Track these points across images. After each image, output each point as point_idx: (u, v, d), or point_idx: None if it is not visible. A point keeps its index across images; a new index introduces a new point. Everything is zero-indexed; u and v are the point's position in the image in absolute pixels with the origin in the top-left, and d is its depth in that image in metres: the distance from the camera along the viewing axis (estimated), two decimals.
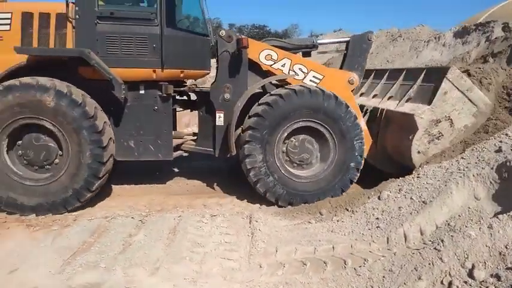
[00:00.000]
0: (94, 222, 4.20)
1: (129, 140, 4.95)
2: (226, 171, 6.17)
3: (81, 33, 4.57)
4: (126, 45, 4.64)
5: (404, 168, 4.85)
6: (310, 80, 5.13)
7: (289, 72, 5.10)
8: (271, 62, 5.08)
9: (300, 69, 5.14)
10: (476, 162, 3.87)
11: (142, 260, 3.42)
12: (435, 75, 4.88)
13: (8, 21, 4.59)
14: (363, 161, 4.87)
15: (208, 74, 5.28)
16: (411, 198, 3.81)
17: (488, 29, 9.54)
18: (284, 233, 3.86)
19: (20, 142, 4.43)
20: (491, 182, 3.56)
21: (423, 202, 3.67)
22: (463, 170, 3.84)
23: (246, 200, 5.00)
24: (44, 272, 3.22)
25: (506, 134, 4.11)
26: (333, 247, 3.47)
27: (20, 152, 4.44)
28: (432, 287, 2.80)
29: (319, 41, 5.78)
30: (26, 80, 4.22)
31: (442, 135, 4.74)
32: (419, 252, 3.07)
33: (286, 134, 4.73)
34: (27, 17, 4.60)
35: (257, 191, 4.76)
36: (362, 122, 5.15)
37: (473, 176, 3.65)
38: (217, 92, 5.02)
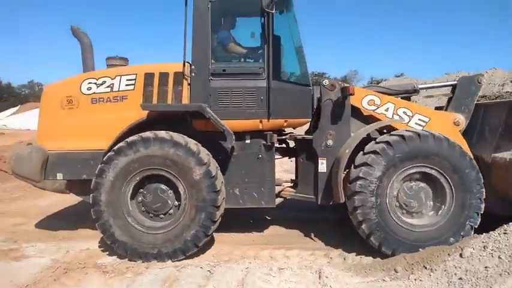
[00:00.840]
0: (165, 271, 4.27)
1: (234, 188, 5.17)
2: (293, 221, 6.12)
3: (196, 89, 5.00)
4: (236, 98, 4.98)
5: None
6: (416, 123, 5.10)
7: (393, 116, 5.11)
8: (374, 107, 5.15)
9: (404, 112, 5.13)
10: None
11: None
12: None
13: (133, 82, 5.16)
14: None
15: (309, 122, 5.42)
16: (499, 257, 3.53)
17: None
18: None
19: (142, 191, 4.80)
20: None
21: None
22: None
23: (312, 253, 4.94)
24: None
25: None
26: None
27: (140, 199, 4.80)
28: None
29: (420, 86, 5.76)
30: (162, 134, 4.66)
31: None
32: None
33: (398, 181, 4.66)
34: (149, 77, 5.14)
35: (370, 243, 4.68)
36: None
37: None
38: (320, 139, 5.13)
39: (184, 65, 5.07)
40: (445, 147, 4.59)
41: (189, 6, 5.12)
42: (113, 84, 5.16)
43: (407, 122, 5.11)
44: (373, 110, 5.16)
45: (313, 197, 5.26)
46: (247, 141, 5.18)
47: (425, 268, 3.89)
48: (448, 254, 3.94)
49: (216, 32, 5.27)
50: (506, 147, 4.68)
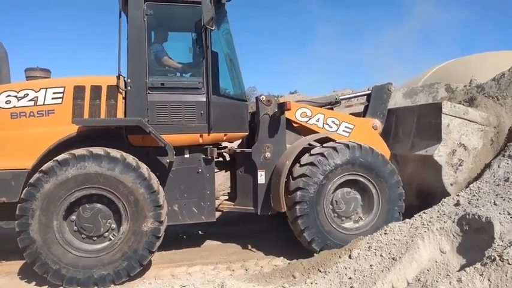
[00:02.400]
0: None
1: (173, 204, 5.05)
2: (193, 238, 6.09)
3: (132, 103, 4.82)
4: (175, 112, 4.91)
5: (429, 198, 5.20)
6: (344, 130, 5.60)
7: (323, 126, 5.53)
8: (306, 119, 5.52)
9: (332, 121, 5.59)
10: (438, 217, 4.12)
11: None
12: (430, 111, 5.32)
13: (61, 95, 4.80)
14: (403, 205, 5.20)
15: (246, 135, 5.56)
16: (381, 255, 3.91)
17: (433, 89, 10.38)
18: None
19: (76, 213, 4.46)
20: (454, 235, 3.82)
21: (393, 259, 3.78)
22: (427, 224, 4.07)
23: (215, 267, 4.99)
24: None
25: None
26: None
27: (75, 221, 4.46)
28: None
29: (341, 97, 6.29)
30: (97, 150, 4.40)
31: (463, 160, 5.13)
32: None
33: (332, 190, 5.01)
34: (79, 91, 4.82)
35: (310, 249, 4.91)
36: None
37: (437, 229, 3.90)
38: (258, 151, 5.31)
39: (118, 78, 4.88)
40: (370, 156, 5.10)
41: (123, 18, 5.01)
42: (37, 97, 4.74)
43: (336, 130, 5.57)
44: (306, 122, 5.53)
45: (252, 208, 5.38)
46: (186, 155, 5.13)
47: (320, 271, 4.18)
48: (339, 257, 4.26)
49: (150, 46, 5.17)
50: (419, 146, 5.38)
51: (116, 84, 4.87)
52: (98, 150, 4.44)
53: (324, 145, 5.13)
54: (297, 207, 4.83)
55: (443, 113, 5.04)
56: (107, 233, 4.51)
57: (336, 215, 5.06)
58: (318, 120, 5.55)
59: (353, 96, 6.68)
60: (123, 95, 4.88)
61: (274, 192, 5.10)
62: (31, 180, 4.28)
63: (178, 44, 5.77)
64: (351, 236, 4.90)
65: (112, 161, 4.41)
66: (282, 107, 5.19)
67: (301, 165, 4.98)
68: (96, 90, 4.86)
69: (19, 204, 4.24)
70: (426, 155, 5.17)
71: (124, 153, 4.54)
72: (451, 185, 5.11)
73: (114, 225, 4.53)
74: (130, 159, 4.52)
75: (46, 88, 4.78)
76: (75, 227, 4.43)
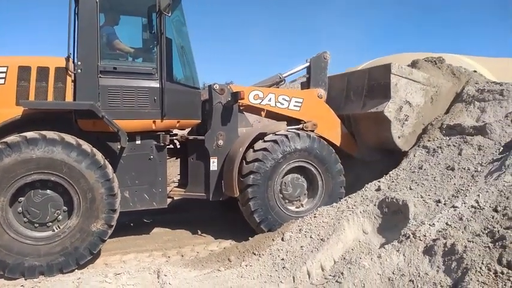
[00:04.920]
0: None
1: (124, 191, 4.95)
2: (127, 227, 5.94)
3: (82, 86, 4.66)
4: (128, 98, 4.82)
5: (385, 153, 5.90)
6: (294, 105, 5.91)
7: (276, 104, 5.80)
8: (259, 101, 5.75)
9: (283, 98, 5.88)
10: (361, 201, 4.55)
11: None
12: (380, 73, 5.81)
13: (3, 75, 4.51)
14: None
15: (199, 123, 5.60)
16: (311, 237, 4.16)
17: None
18: (195, 284, 3.81)
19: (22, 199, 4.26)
20: (375, 217, 4.26)
21: (321, 240, 4.04)
22: (352, 207, 4.42)
23: (150, 254, 5.00)
24: None
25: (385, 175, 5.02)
26: None
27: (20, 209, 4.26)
28: None
29: (284, 75, 6.54)
30: (50, 135, 4.22)
31: (408, 115, 5.67)
32: (324, 286, 3.40)
33: (282, 175, 5.26)
34: (24, 71, 4.56)
35: (258, 230, 5.13)
36: (342, 128, 6.11)
37: (360, 212, 4.27)
38: (211, 139, 5.39)
39: (68, 60, 4.70)
40: (326, 151, 5.47)
41: None
42: None
43: (288, 106, 5.87)
44: (259, 103, 5.76)
45: (203, 194, 5.46)
46: (138, 141, 5.06)
47: (254, 254, 4.34)
48: (273, 239, 4.48)
49: (101, 28, 5.02)
50: (370, 105, 5.85)
51: (65, 66, 4.68)
52: (69, 138, 4.30)
53: (276, 133, 5.37)
54: (249, 189, 5.03)
55: (392, 73, 5.54)
56: (50, 223, 4.34)
57: (282, 196, 5.32)
58: (270, 100, 5.80)
59: (295, 71, 6.78)
60: (73, 78, 4.70)
61: (227, 177, 5.23)
62: None
63: (130, 28, 5.63)
64: (292, 217, 5.15)
65: (81, 153, 4.28)
66: (236, 96, 5.31)
67: (254, 151, 5.16)
68: (43, 71, 4.63)
69: None
70: (377, 111, 5.61)
71: (94, 149, 4.42)
72: (399, 137, 5.64)
73: (60, 217, 4.37)
74: (99, 156, 4.42)
75: None
76: (20, 209, 4.23)
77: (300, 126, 5.85)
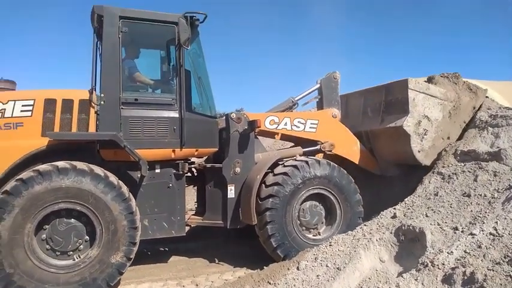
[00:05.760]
0: None
1: (143, 219, 5.04)
2: (142, 256, 5.77)
3: (105, 117, 4.85)
4: (148, 127, 4.99)
5: (404, 168, 5.99)
6: (310, 127, 6.04)
7: (292, 127, 5.94)
8: (275, 125, 5.90)
9: (298, 121, 6.04)
10: (377, 228, 4.49)
11: None
12: (397, 89, 5.92)
13: (30, 108, 4.71)
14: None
15: (216, 151, 5.73)
16: (327, 265, 4.13)
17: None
18: None
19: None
20: (392, 245, 4.20)
21: (337, 268, 4.01)
22: (368, 235, 4.38)
23: (164, 284, 5.03)
24: None
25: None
26: None
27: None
28: None
29: (296, 98, 6.66)
30: (80, 165, 4.39)
31: (427, 130, 5.73)
32: None
33: (300, 201, 5.33)
34: (49, 104, 4.77)
35: (274, 255, 5.17)
36: (359, 145, 6.19)
37: (377, 240, 4.23)
38: (228, 167, 5.51)
39: (91, 92, 4.90)
40: (345, 180, 5.54)
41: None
42: (4, 109, 4.64)
43: (304, 129, 6.01)
44: (275, 128, 5.91)
45: (221, 222, 5.54)
46: (157, 170, 5.19)
47: (270, 283, 4.25)
48: (288, 268, 4.39)
49: (122, 62, 5.24)
50: (388, 120, 5.95)
51: (88, 98, 4.88)
52: (98, 170, 4.46)
53: (308, 156, 5.52)
54: (268, 213, 5.10)
55: (409, 88, 5.66)
56: (71, 252, 4.43)
57: (299, 222, 5.36)
58: (286, 124, 5.97)
59: (306, 94, 6.85)
60: (96, 110, 4.90)
61: (244, 204, 5.31)
62: (22, 176, 4.20)
63: (149, 61, 5.88)
64: (309, 244, 5.17)
65: (108, 185, 4.43)
66: (253, 124, 5.46)
67: (275, 175, 5.28)
68: (67, 103, 4.83)
69: (0, 195, 4.12)
70: (396, 126, 5.71)
71: (120, 182, 4.57)
72: (419, 151, 5.70)
73: (82, 247, 4.47)
74: (125, 189, 4.57)
75: (15, 100, 4.69)
76: (44, 236, 4.35)
77: (318, 147, 5.98)
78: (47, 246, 4.36)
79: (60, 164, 4.34)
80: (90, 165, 4.48)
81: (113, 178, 4.52)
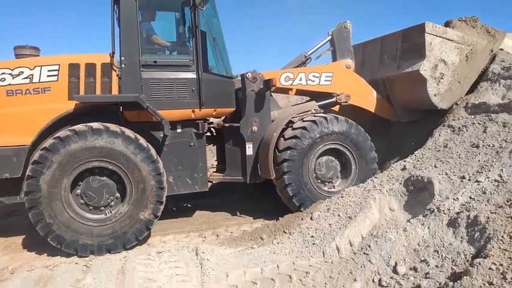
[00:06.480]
0: (35, 273, 4.05)
1: (168, 176, 5.30)
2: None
3: (126, 80, 5.05)
4: (168, 89, 5.18)
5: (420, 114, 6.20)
6: (325, 80, 6.17)
7: (307, 82, 6.09)
8: (290, 82, 6.05)
9: (313, 75, 6.18)
10: (387, 180, 4.71)
11: None
12: (414, 34, 5.96)
13: (56, 73, 4.92)
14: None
15: (233, 110, 5.94)
16: (339, 215, 4.39)
17: None
18: (231, 260, 4.09)
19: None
20: (401, 195, 4.43)
21: (349, 217, 4.25)
22: (378, 186, 4.60)
23: (187, 235, 5.33)
24: None
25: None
26: (278, 266, 3.81)
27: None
28: (366, 286, 3.31)
29: (308, 53, 6.74)
30: (113, 127, 4.67)
31: (443, 74, 5.84)
32: (352, 258, 3.66)
33: (316, 155, 5.54)
34: (73, 68, 4.96)
35: (290, 205, 5.47)
36: (375, 93, 6.31)
37: (387, 191, 4.49)
38: (246, 125, 5.75)
39: (112, 56, 5.07)
40: (362, 137, 5.71)
41: None
42: (32, 75, 4.85)
43: (319, 82, 6.15)
44: (291, 84, 6.06)
45: (241, 177, 5.84)
46: (179, 130, 5.45)
47: (285, 232, 4.60)
48: (302, 219, 4.71)
49: (140, 25, 5.36)
50: (405, 66, 6.04)
51: (109, 62, 5.06)
52: (129, 132, 4.74)
53: (315, 114, 5.69)
54: (285, 164, 5.35)
55: (426, 33, 5.70)
56: (103, 207, 4.79)
57: (315, 175, 5.61)
58: (301, 79, 6.11)
59: (318, 47, 6.86)
60: (117, 73, 5.10)
61: (263, 160, 5.56)
62: (60, 134, 4.51)
63: (166, 23, 5.97)
64: (324, 196, 5.43)
65: (138, 147, 4.71)
66: (268, 83, 5.61)
67: (293, 129, 5.50)
68: (90, 68, 5.03)
69: (40, 152, 4.46)
70: (412, 71, 5.81)
71: (149, 144, 4.83)
72: (435, 95, 5.84)
73: (113, 203, 4.81)
74: (153, 151, 4.83)
75: (41, 66, 4.89)
76: (79, 191, 4.70)
77: (334, 99, 6.12)
78: (81, 201, 4.71)
79: (95, 125, 4.62)
80: (121, 127, 4.74)
81: (142, 141, 4.78)
